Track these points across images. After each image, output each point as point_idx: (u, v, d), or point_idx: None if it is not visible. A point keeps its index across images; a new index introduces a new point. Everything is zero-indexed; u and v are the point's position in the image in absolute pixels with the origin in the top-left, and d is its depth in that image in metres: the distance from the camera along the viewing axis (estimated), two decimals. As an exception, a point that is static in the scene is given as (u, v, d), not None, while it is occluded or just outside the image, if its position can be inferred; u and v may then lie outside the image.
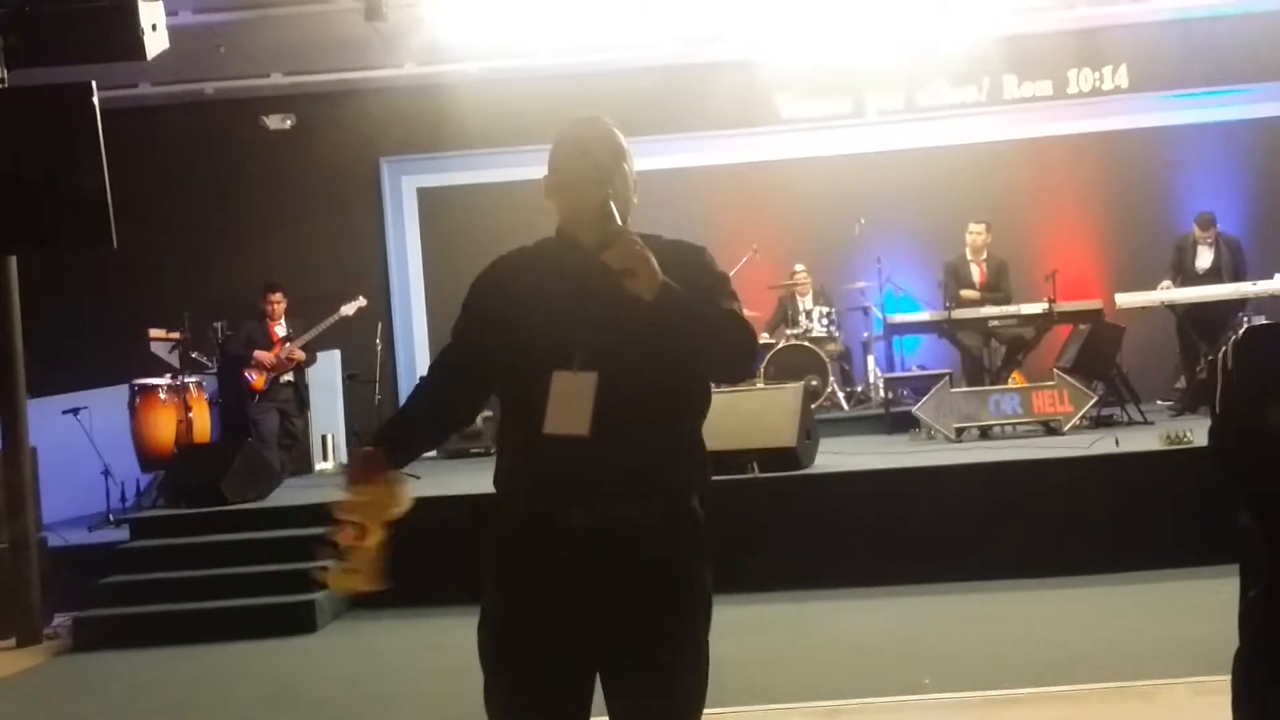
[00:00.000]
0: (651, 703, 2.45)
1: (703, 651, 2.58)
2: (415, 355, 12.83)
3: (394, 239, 12.90)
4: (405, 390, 12.58)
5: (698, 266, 2.59)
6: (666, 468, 2.51)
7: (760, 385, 10.10)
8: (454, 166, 12.80)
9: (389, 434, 2.62)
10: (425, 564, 7.28)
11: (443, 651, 6.21)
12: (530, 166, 13.76)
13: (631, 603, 2.43)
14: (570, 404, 2.39)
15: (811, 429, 7.71)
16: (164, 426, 9.38)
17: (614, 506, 2.42)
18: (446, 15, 10.74)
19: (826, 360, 10.85)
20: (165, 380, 9.57)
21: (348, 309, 9.93)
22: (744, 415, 7.49)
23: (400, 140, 12.63)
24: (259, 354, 9.75)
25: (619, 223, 2.42)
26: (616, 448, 2.40)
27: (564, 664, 2.43)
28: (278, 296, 9.98)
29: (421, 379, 2.70)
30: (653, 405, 2.45)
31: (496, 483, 2.58)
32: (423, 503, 8.23)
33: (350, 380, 11.07)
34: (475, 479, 8.88)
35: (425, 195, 13.00)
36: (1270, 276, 9.72)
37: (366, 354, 9.90)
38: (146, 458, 9.44)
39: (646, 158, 11.60)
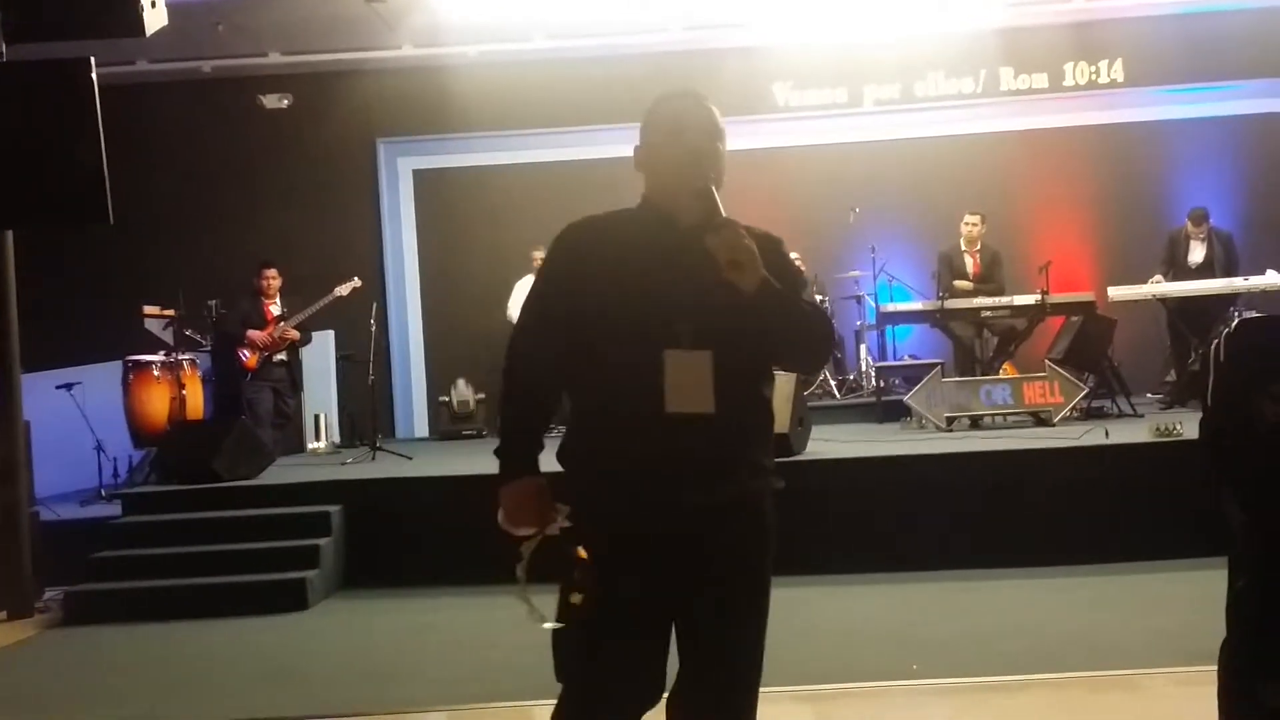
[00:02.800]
0: (737, 664, 2.55)
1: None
2: (409, 336, 12.86)
3: (389, 220, 12.91)
4: (399, 371, 12.66)
5: (779, 258, 2.61)
6: (764, 448, 2.59)
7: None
8: (451, 149, 12.80)
9: (530, 454, 2.57)
10: (417, 544, 7.35)
11: (434, 630, 6.25)
12: (528, 150, 13.82)
13: (728, 578, 2.52)
14: (688, 383, 2.41)
15: (804, 416, 7.74)
16: (157, 403, 9.38)
17: (724, 487, 2.48)
18: (446, -2, 10.74)
19: (820, 348, 10.85)
20: (159, 357, 9.57)
21: (342, 289, 9.93)
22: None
23: (397, 121, 12.64)
24: (253, 333, 9.75)
25: (723, 211, 2.44)
26: (730, 429, 2.46)
27: (654, 632, 2.50)
28: (273, 272, 9.97)
29: (516, 376, 2.60)
30: (752, 387, 2.54)
31: (580, 459, 2.54)
32: (415, 483, 8.30)
33: (344, 361, 11.08)
34: (467, 459, 8.93)
35: (421, 177, 13.00)
36: (1262, 272, 9.77)
37: (360, 335, 9.89)
38: (139, 434, 9.45)
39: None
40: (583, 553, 2.43)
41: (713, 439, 2.44)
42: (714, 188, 2.48)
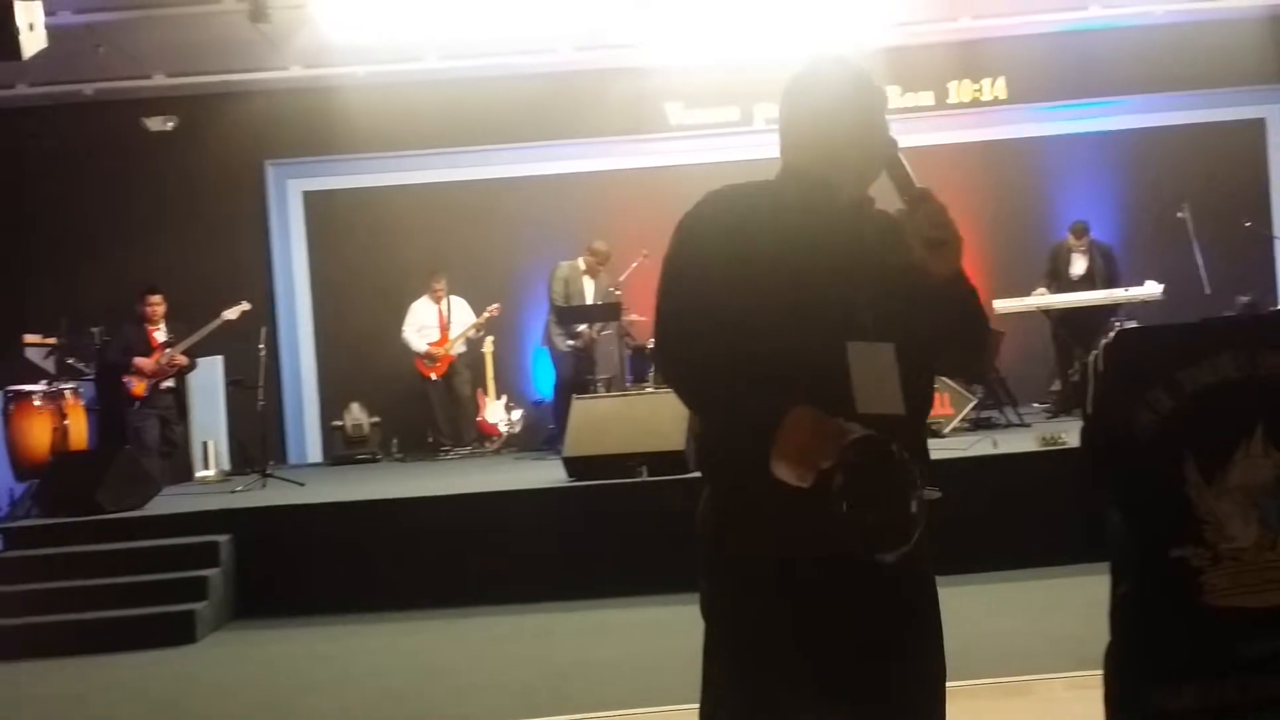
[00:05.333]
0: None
1: None
2: (301, 360, 12.65)
3: (279, 243, 12.70)
4: (290, 396, 12.45)
5: None
6: (928, 449, 2.31)
7: (650, 389, 10.14)
8: (342, 170, 12.64)
9: (776, 399, 2.08)
10: (310, 573, 7.21)
11: (328, 661, 6.13)
12: (421, 170, 13.72)
13: (894, 595, 2.23)
14: (875, 380, 2.11)
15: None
16: (39, 434, 9.10)
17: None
18: (333, 17, 10.61)
19: (715, 365, 10.92)
20: (40, 387, 9.29)
21: (230, 313, 9.74)
22: (634, 419, 7.52)
23: (286, 143, 12.44)
24: (139, 360, 9.51)
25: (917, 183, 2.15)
26: (913, 433, 2.19)
27: (826, 650, 2.18)
28: (157, 299, 9.74)
29: (696, 359, 2.18)
30: (927, 385, 2.28)
31: (742, 469, 2.13)
32: (308, 510, 8.15)
33: (233, 386, 10.86)
34: (362, 485, 8.81)
35: (312, 198, 12.81)
36: (1141, 283, 10.05)
37: (250, 359, 9.71)
38: (21, 466, 9.14)
39: (537, 163, 11.62)
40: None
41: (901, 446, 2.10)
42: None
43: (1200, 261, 10.45)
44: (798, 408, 2.03)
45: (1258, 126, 12.76)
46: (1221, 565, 2.67)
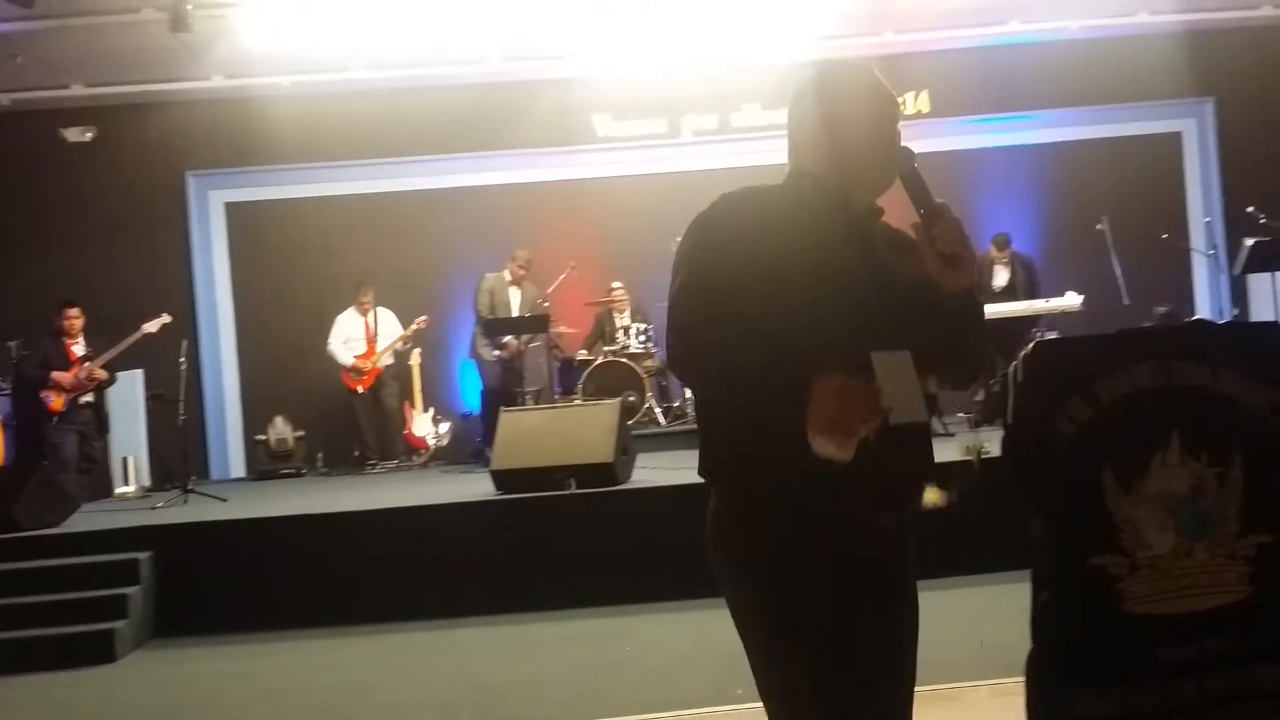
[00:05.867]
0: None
1: None
2: (223, 373, 12.47)
3: (200, 254, 12.52)
4: (213, 410, 12.28)
5: None
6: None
7: (578, 401, 10.14)
8: (265, 181, 12.49)
9: (800, 378, 2.03)
10: (232, 589, 7.10)
11: (251, 680, 6.04)
12: (346, 182, 13.63)
13: (902, 605, 2.43)
14: (898, 388, 2.05)
15: (628, 445, 7.76)
16: (-48, 451, 8.91)
17: (909, 506, 2.31)
18: (256, 27, 10.49)
19: (644, 376, 10.95)
20: (-46, 402, 9.09)
21: (150, 326, 9.58)
22: (561, 431, 7.50)
23: (208, 154, 12.28)
24: (57, 374, 9.32)
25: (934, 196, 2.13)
26: (924, 440, 2.24)
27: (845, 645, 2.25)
28: (75, 312, 9.56)
29: (723, 362, 2.13)
30: (928, 390, 2.22)
31: (739, 466, 2.20)
32: (230, 526, 8.02)
33: (153, 400, 10.69)
34: (286, 500, 8.70)
35: (234, 210, 12.64)
36: (1061, 294, 10.22)
37: (170, 373, 9.56)
38: (-67, 484, 8.92)
39: (465, 174, 11.58)
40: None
41: (919, 452, 2.20)
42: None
43: (1119, 272, 10.65)
44: (824, 376, 1.99)
45: (1174, 140, 13.04)
46: (1139, 573, 2.70)
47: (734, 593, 2.33)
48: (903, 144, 2.26)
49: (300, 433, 11.51)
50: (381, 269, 11.83)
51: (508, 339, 10.65)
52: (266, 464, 11.45)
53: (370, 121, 12.05)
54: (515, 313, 10.78)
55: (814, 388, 1.99)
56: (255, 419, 12.01)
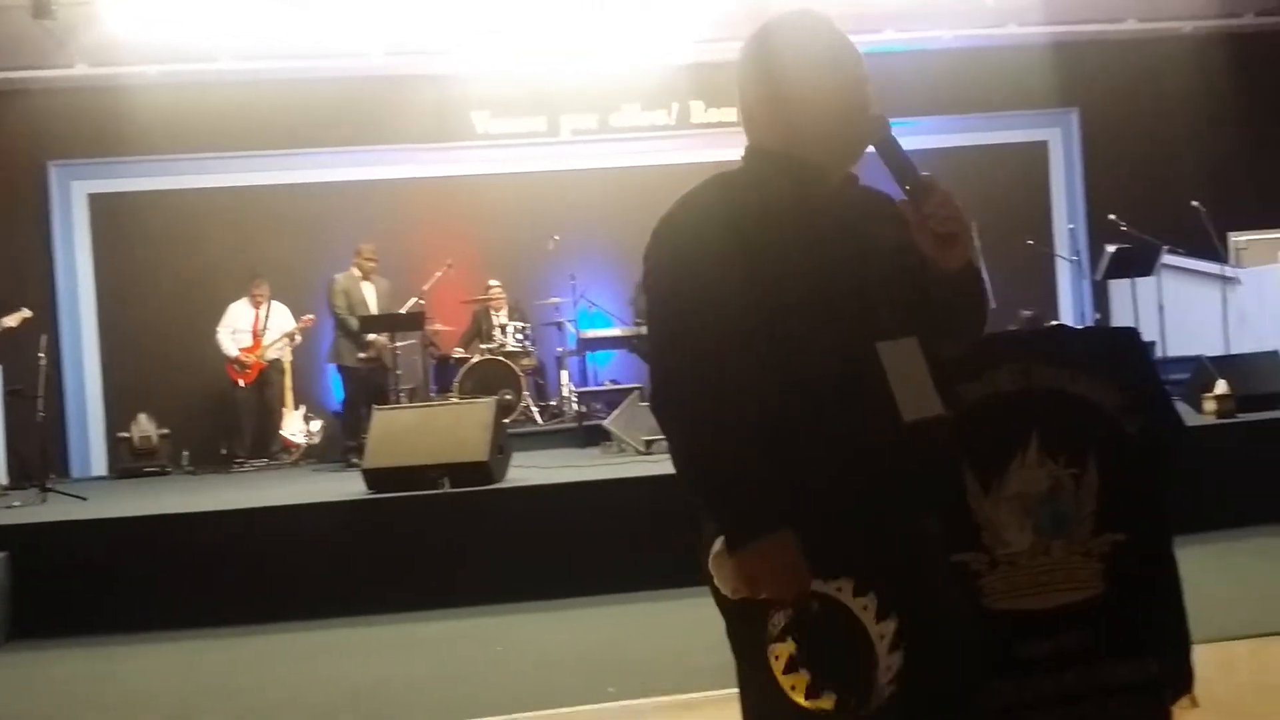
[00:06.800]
0: None
1: None
2: (85, 369, 12.14)
3: (62, 247, 12.16)
4: (74, 406, 11.92)
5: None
6: None
7: (453, 400, 10.06)
8: (132, 172, 12.18)
9: (777, 499, 1.88)
10: (93, 590, 6.88)
11: (113, 683, 5.86)
12: (217, 174, 13.35)
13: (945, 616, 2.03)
14: (909, 381, 1.90)
15: (504, 443, 7.72)
16: None
17: (940, 506, 2.05)
18: (122, 14, 10.22)
19: (520, 375, 10.92)
20: None
21: (9, 320, 9.30)
22: (436, 430, 7.43)
23: (71, 143, 11.95)
24: (-91, 369, 8.98)
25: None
26: (946, 434, 1.98)
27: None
28: (-72, 306, 9.22)
29: (727, 399, 1.87)
30: (940, 377, 2.01)
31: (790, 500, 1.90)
32: (90, 526, 7.76)
33: (12, 396, 10.32)
34: (149, 499, 8.47)
35: (98, 201, 12.30)
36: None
37: (30, 368, 9.25)
38: None
39: (341, 169, 11.41)
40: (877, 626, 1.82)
41: (939, 450, 1.96)
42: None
43: (985, 277, 10.88)
44: (784, 532, 1.85)
45: (1041, 149, 13.43)
46: (998, 570, 2.77)
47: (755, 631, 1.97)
48: (875, 112, 2.03)
49: (165, 430, 11.23)
50: (254, 263, 11.59)
51: (373, 337, 10.39)
52: (129, 462, 11.15)
53: (241, 113, 11.81)
54: (374, 309, 10.50)
55: (767, 535, 1.85)
56: (118, 416, 11.70)
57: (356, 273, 10.53)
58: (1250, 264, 11.49)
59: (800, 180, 2.01)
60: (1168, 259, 10.58)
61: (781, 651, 1.84)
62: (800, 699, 1.82)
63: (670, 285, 1.97)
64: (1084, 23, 12.60)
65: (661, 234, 2.05)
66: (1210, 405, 7.69)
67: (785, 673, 1.84)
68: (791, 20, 2.06)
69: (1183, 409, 7.85)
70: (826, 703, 1.81)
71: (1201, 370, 8.07)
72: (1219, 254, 10.89)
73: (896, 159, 1.96)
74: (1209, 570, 5.43)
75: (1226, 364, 8.18)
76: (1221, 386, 7.67)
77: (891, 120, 2.03)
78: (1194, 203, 10.40)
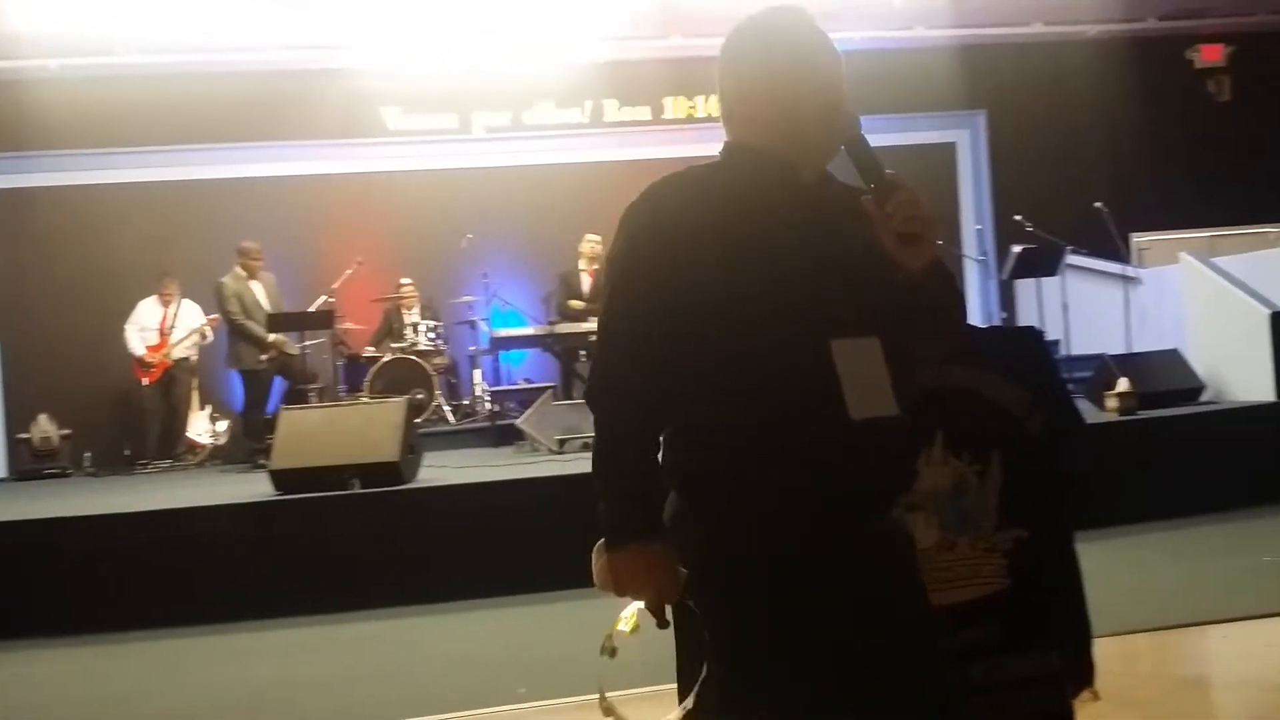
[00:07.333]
0: None
1: None
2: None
3: (-43, 244, 11.82)
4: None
5: None
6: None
7: (364, 399, 9.95)
8: (29, 168, 11.88)
9: (657, 508, 1.99)
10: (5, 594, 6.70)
11: (13, 689, 5.72)
12: (120, 169, 13.06)
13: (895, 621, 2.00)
14: (863, 380, 1.89)
15: (415, 443, 7.65)
16: None
17: (887, 511, 2.02)
18: (20, 6, 9.97)
19: (433, 374, 10.84)
20: None
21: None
22: (345, 430, 7.35)
23: (-33, 138, 11.61)
24: None
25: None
26: (901, 435, 1.96)
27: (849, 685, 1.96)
28: None
29: (625, 404, 1.95)
30: (909, 378, 2.00)
31: (721, 491, 1.94)
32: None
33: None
34: (49, 501, 8.27)
35: (-3, 196, 12.00)
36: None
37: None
38: None
39: (249, 164, 11.25)
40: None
41: (896, 451, 1.96)
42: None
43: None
44: (658, 543, 1.96)
45: (949, 150, 13.64)
46: (905, 566, 2.80)
47: (715, 594, 2.03)
48: (849, 106, 2.04)
49: (66, 431, 10.99)
50: (163, 261, 11.34)
51: (274, 337, 10.17)
52: (29, 463, 10.90)
53: (147, 108, 11.59)
54: (267, 308, 10.18)
55: (647, 547, 1.98)
56: (17, 416, 11.44)
57: (243, 273, 10.19)
58: (1151, 264, 11.80)
59: (773, 177, 2.01)
60: (1072, 259, 10.78)
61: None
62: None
63: (610, 279, 2.02)
64: (991, 26, 12.82)
65: (621, 224, 2.05)
66: (1112, 403, 7.86)
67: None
68: (770, 17, 2.09)
69: (1085, 406, 8.02)
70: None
71: (1104, 368, 8.24)
72: (1121, 254, 11.13)
73: (864, 157, 1.97)
74: (1111, 564, 5.54)
75: (1128, 362, 8.36)
76: (1123, 384, 7.84)
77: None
78: (1097, 204, 10.60)
